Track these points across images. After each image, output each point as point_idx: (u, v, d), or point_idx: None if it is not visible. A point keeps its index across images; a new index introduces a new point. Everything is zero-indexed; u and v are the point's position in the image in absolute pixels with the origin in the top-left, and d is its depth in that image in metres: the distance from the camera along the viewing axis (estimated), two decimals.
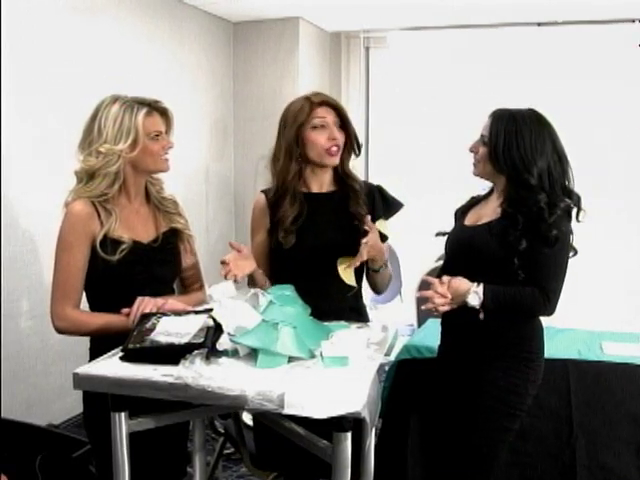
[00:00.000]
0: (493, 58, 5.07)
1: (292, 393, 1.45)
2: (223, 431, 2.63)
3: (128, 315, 1.86)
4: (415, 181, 5.32)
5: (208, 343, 1.63)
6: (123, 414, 1.62)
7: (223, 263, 1.92)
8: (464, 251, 2.08)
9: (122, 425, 1.63)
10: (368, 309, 2.27)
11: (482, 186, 2.23)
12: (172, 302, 1.91)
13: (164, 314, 1.80)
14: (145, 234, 2.03)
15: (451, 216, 2.29)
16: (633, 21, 4.69)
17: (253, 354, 1.64)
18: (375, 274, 2.15)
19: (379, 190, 2.25)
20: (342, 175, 2.19)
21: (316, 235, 2.12)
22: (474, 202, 2.23)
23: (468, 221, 2.15)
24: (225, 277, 1.90)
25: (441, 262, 4.29)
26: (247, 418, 2.40)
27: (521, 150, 1.97)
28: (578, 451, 2.53)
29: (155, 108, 2.01)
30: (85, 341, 2.02)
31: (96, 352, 1.85)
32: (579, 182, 2.05)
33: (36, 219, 3.17)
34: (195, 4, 4.43)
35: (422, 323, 3.25)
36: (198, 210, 4.60)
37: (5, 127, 3.01)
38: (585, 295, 4.46)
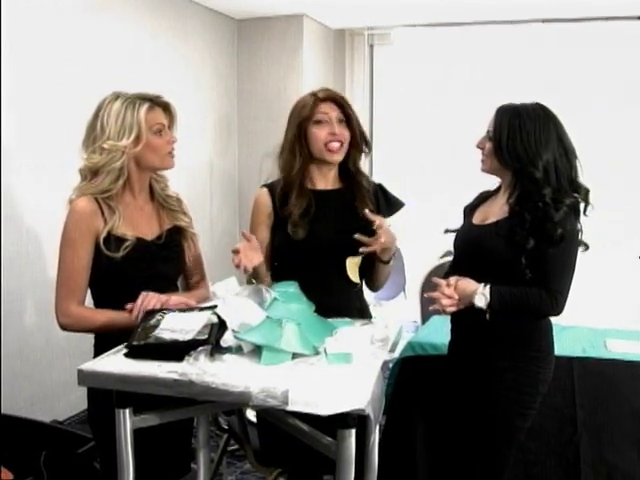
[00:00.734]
0: (498, 55, 5.05)
1: (296, 390, 1.45)
2: (227, 428, 2.63)
3: (131, 310, 1.85)
4: (420, 178, 5.31)
5: (212, 340, 1.63)
6: (127, 410, 1.62)
7: (235, 252, 1.93)
8: (472, 251, 2.08)
9: (126, 421, 1.63)
10: (372, 306, 2.28)
11: (488, 183, 2.22)
12: (176, 298, 1.91)
13: (168, 311, 1.80)
14: (149, 231, 2.03)
15: (456, 213, 2.28)
16: (638, 18, 4.68)
17: (257, 351, 1.64)
18: (381, 267, 2.15)
19: (380, 188, 2.25)
20: (353, 172, 2.18)
21: (326, 228, 2.12)
22: (483, 198, 2.22)
23: (476, 219, 2.14)
24: (237, 266, 1.90)
25: (445, 259, 4.34)
26: (251, 415, 2.40)
27: (525, 143, 1.96)
28: (582, 448, 2.52)
29: (157, 103, 2.01)
30: (89, 338, 2.02)
31: (100, 349, 1.85)
32: (584, 178, 2.04)
33: (40, 217, 3.17)
34: (199, 1, 4.43)
35: (426, 320, 3.25)
36: (202, 207, 4.61)
37: (9, 125, 3.01)
38: (589, 293, 4.45)
